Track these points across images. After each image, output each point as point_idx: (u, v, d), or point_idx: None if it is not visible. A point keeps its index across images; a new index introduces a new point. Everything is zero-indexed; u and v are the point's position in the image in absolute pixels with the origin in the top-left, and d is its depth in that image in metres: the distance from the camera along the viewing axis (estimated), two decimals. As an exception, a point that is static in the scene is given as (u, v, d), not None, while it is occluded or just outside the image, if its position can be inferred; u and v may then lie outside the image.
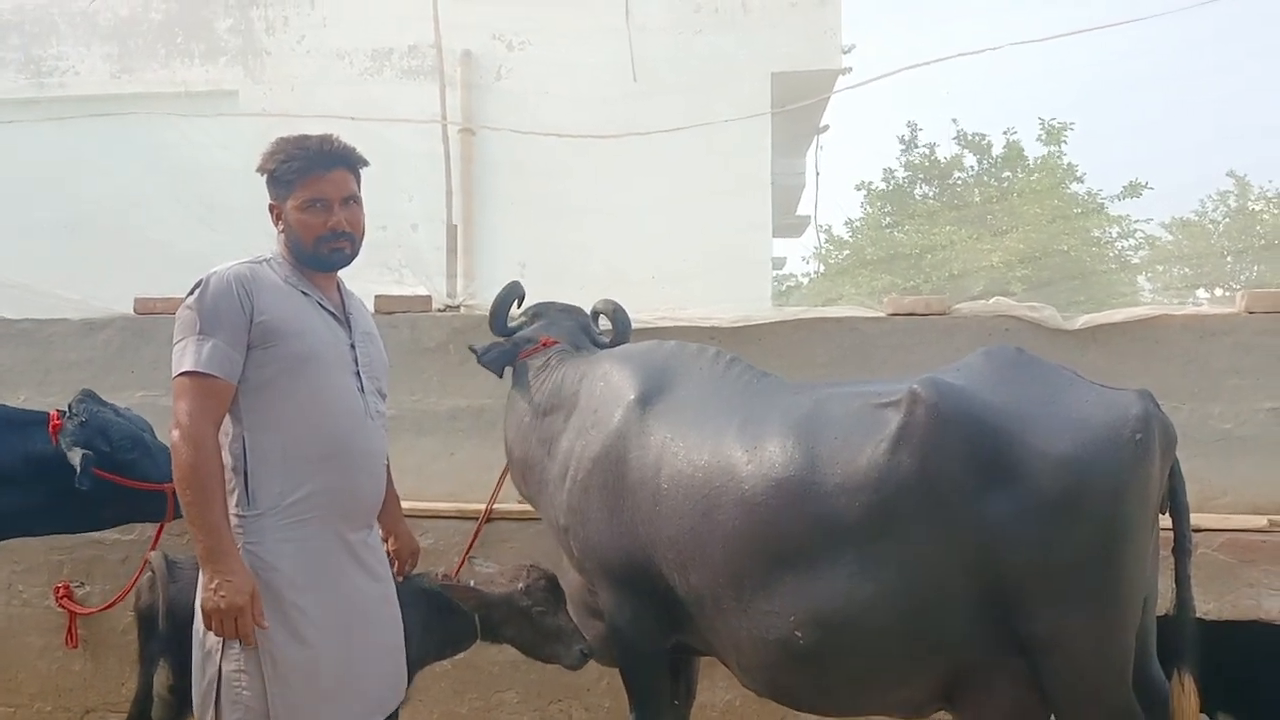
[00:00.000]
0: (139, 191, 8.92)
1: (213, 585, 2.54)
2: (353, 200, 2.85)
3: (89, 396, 3.61)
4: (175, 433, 2.61)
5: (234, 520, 2.65)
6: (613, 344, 3.69)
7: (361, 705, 2.83)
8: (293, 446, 2.71)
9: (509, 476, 3.78)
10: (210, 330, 2.64)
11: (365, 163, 2.91)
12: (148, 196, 8.86)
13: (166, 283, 4.63)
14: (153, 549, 3.94)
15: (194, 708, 2.77)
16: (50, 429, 3.49)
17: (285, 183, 2.80)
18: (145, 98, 9.73)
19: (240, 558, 2.60)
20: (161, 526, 3.91)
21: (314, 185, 2.79)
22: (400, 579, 3.22)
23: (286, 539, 2.68)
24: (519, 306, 3.82)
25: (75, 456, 3.37)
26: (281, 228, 2.86)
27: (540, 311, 3.79)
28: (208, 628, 2.59)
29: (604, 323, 3.84)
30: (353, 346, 2.88)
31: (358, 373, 2.86)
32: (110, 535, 4.61)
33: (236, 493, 2.67)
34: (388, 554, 3.17)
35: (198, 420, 2.60)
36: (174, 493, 2.71)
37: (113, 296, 5.27)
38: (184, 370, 2.64)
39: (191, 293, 2.70)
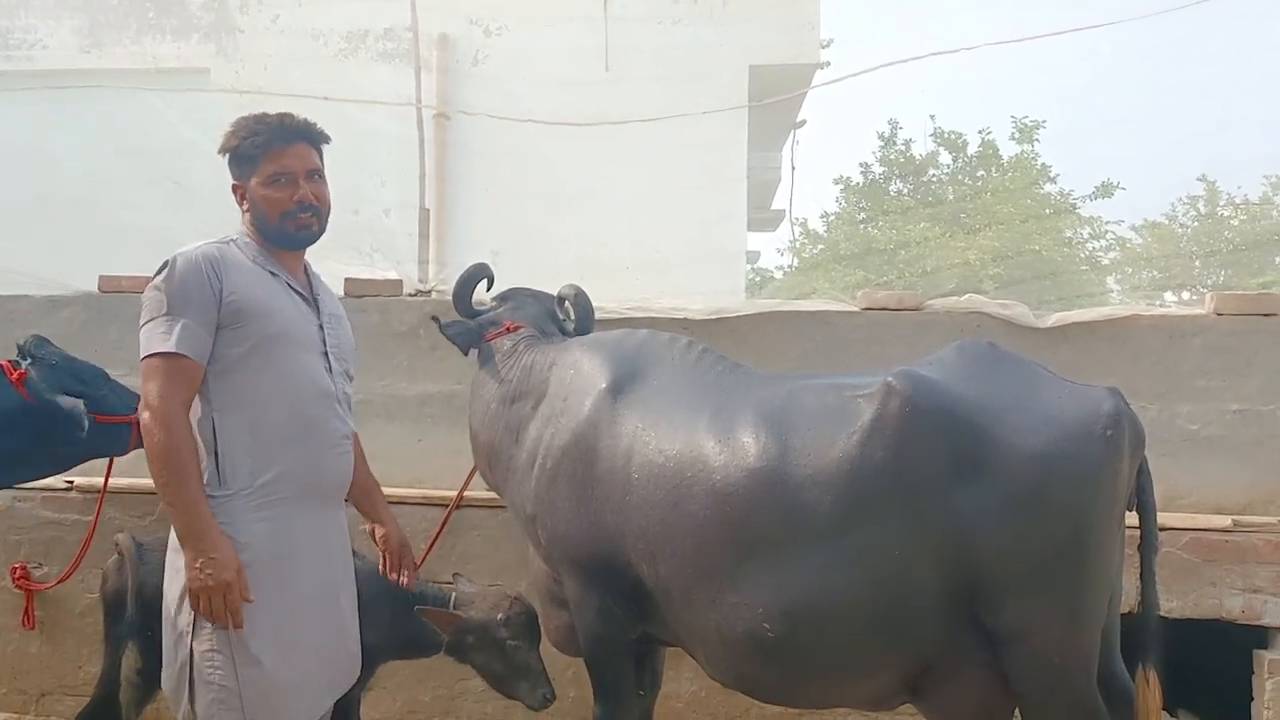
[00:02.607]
0: (106, 168, 8.79)
1: (197, 564, 2.51)
2: (317, 175, 2.82)
3: (43, 341, 3.51)
4: (146, 414, 2.58)
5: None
6: (575, 330, 3.66)
7: (328, 683, 2.83)
8: (262, 426, 2.68)
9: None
10: (179, 310, 2.60)
11: (327, 139, 2.87)
12: (115, 173, 8.73)
13: (131, 261, 4.56)
14: (100, 503, 3.90)
15: (167, 690, 2.73)
16: (14, 380, 3.35)
17: (248, 159, 2.77)
18: (115, 73, 9.59)
19: (221, 533, 2.57)
20: (105, 487, 3.89)
21: (277, 159, 2.75)
22: (397, 581, 3.16)
23: (258, 519, 2.66)
24: (488, 290, 3.79)
25: (76, 406, 3.29)
26: (246, 207, 2.82)
27: (508, 296, 3.76)
28: (194, 608, 2.55)
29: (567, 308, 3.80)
30: (321, 327, 2.85)
31: (326, 354, 2.84)
32: (70, 516, 4.55)
33: (208, 473, 2.64)
34: (376, 543, 3.15)
35: (168, 401, 2.57)
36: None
37: (77, 273, 5.19)
38: (154, 351, 2.60)
39: (159, 273, 2.66)
